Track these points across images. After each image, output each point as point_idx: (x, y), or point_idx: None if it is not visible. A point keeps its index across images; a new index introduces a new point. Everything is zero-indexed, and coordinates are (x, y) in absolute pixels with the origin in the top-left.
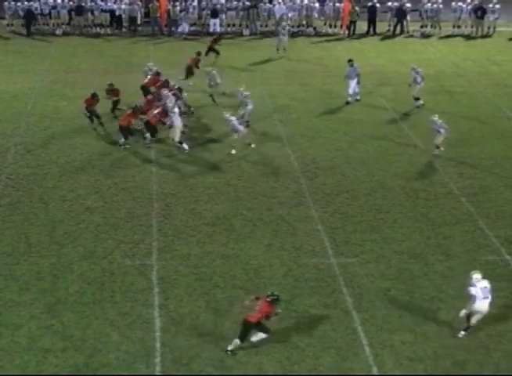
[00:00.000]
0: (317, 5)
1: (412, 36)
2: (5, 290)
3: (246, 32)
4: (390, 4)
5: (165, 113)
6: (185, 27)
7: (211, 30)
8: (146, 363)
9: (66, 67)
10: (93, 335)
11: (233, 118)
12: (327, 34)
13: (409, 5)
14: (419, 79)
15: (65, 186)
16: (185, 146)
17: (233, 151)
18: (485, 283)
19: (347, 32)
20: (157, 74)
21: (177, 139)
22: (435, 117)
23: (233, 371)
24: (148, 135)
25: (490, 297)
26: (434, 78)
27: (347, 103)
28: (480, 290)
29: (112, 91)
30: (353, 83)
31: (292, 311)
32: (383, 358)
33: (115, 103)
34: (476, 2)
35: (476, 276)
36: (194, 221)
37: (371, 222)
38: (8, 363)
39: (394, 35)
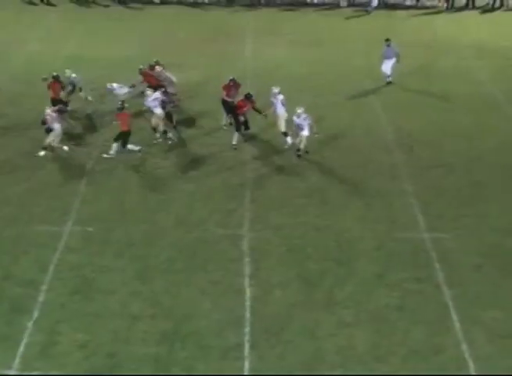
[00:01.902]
0: None
1: None
2: (101, 255)
3: (343, 3)
4: None
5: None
6: None
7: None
8: (235, 332)
9: (165, 36)
10: (183, 303)
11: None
12: (425, 7)
13: None
14: None
15: (159, 154)
16: (170, 135)
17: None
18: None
19: (445, 5)
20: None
21: (161, 128)
22: None
23: (324, 342)
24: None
25: None
26: None
27: (389, 82)
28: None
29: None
30: (390, 62)
31: (384, 284)
32: (473, 334)
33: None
34: None
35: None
36: (288, 192)
37: (466, 196)
38: (100, 327)
39: (493, 9)
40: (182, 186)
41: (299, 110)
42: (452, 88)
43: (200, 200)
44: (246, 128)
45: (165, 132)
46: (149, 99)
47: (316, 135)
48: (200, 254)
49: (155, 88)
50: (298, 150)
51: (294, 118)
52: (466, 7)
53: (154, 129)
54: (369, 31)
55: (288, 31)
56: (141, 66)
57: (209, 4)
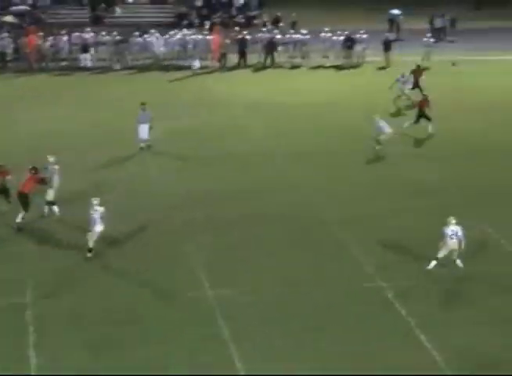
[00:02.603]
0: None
1: (282, 67)
2: None
3: (117, 66)
4: (260, 35)
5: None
6: None
7: (82, 64)
8: None
9: None
10: None
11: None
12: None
13: (279, 36)
14: None
15: None
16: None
17: None
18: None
19: (219, 64)
20: None
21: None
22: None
23: None
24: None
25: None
26: (305, 106)
27: (148, 146)
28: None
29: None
30: (145, 127)
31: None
32: None
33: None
34: (347, 32)
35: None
36: None
37: (245, 252)
38: None
39: (265, 67)
40: None
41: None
42: (229, 146)
43: None
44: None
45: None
46: None
47: None
48: None
49: None
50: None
51: None
52: (238, 66)
53: None
54: (142, 92)
55: (64, 95)
56: None
57: None
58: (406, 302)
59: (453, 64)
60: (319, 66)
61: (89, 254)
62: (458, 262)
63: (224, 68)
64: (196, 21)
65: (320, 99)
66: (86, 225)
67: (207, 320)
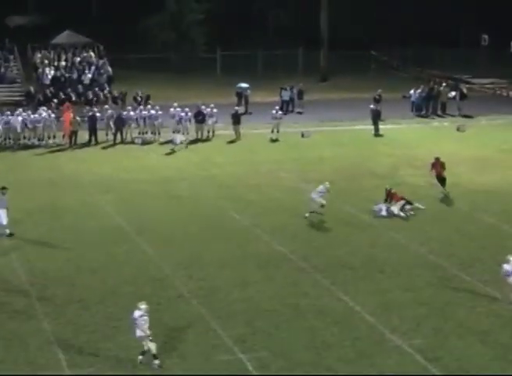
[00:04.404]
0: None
1: (133, 143)
2: None
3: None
4: (110, 112)
5: None
6: None
7: None
8: None
9: None
10: None
11: None
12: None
13: (132, 113)
14: None
15: None
16: None
17: None
18: None
19: (68, 142)
20: None
21: None
22: None
23: None
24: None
25: None
26: (159, 184)
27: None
28: None
29: None
30: (4, 213)
31: None
32: None
33: None
34: (198, 106)
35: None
36: None
37: (104, 330)
38: None
39: (115, 143)
40: None
41: None
42: (81, 223)
43: None
44: None
45: None
46: None
47: None
48: None
49: None
50: None
51: None
52: (89, 143)
53: None
54: None
55: None
56: None
57: None
58: None
59: (302, 135)
60: (169, 142)
61: None
62: None
63: (75, 146)
64: (45, 99)
65: (171, 174)
66: None
67: None
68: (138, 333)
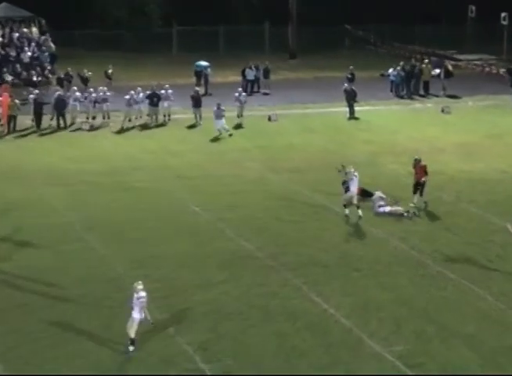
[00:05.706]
0: None
1: (80, 129)
2: None
3: None
4: (56, 94)
5: None
6: None
7: None
8: None
9: None
10: None
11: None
12: None
13: (78, 94)
14: None
15: None
16: None
17: None
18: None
19: (6, 129)
20: None
21: None
22: None
23: None
24: None
25: None
26: (110, 175)
27: None
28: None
29: None
30: None
31: None
32: None
33: None
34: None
35: None
36: None
37: (51, 338)
38: None
39: (59, 128)
40: None
41: None
42: (25, 219)
43: None
44: None
45: None
46: None
47: None
48: None
49: None
50: None
51: None
52: (33, 129)
53: None
54: None
55: None
56: None
57: None
58: None
59: (269, 119)
60: (121, 128)
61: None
62: None
63: (14, 132)
64: None
65: (124, 164)
66: None
67: None
68: (137, 315)
